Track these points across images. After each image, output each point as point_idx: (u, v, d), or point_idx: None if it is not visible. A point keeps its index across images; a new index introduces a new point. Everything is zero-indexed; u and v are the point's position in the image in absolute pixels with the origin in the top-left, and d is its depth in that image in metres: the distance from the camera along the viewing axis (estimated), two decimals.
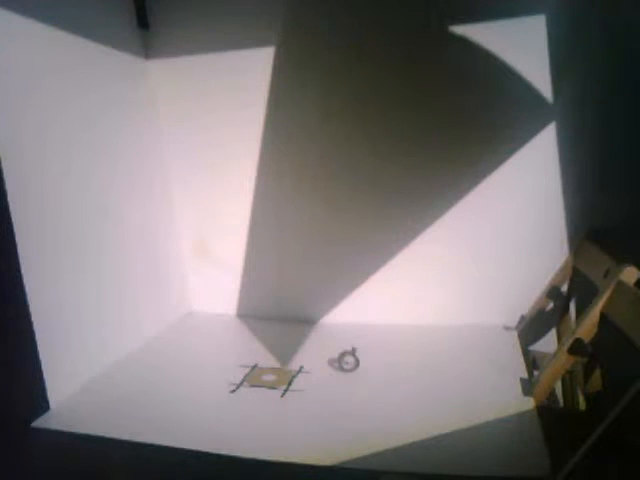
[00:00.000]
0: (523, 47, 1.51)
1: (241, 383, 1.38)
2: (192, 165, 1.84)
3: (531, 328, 1.60)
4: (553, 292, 1.55)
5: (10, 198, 1.15)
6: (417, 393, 1.30)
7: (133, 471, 1.05)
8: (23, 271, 1.18)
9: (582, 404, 1.33)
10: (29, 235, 1.20)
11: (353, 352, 1.42)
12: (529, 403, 1.18)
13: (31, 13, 1.24)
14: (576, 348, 1.17)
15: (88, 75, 1.46)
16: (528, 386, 1.24)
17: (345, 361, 1.42)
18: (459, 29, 1.53)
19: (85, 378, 1.37)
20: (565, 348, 1.18)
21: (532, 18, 1.50)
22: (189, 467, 1.06)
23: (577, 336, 1.17)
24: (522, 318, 1.63)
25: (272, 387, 1.36)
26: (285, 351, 1.54)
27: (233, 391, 1.34)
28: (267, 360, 1.51)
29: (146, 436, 1.13)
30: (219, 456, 1.05)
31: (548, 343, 1.55)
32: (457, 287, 1.69)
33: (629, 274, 1.13)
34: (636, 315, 1.04)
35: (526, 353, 1.49)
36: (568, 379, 1.34)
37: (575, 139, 1.54)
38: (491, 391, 1.27)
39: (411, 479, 0.97)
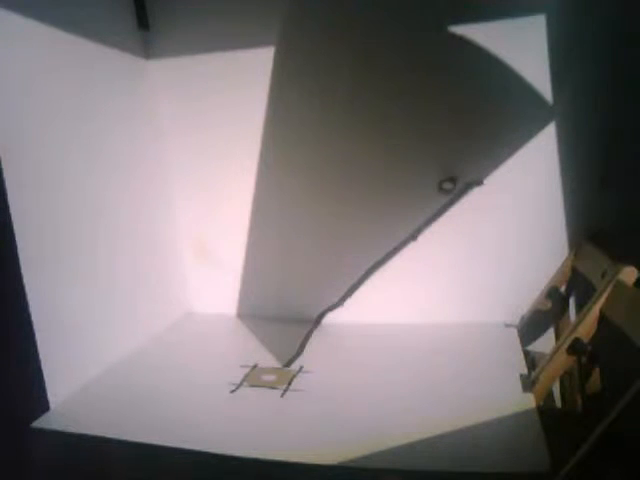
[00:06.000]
0: (523, 47, 1.51)
1: (241, 383, 1.38)
2: (192, 165, 1.84)
3: (531, 328, 1.61)
4: (552, 292, 1.55)
5: (10, 198, 1.15)
6: (418, 391, 1.30)
7: (133, 471, 1.05)
8: (23, 272, 1.18)
9: (580, 404, 1.33)
10: (29, 236, 1.21)
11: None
12: (529, 400, 1.18)
13: (31, 13, 1.24)
14: (575, 348, 1.17)
15: (88, 75, 1.46)
16: (528, 382, 1.24)
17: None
18: (459, 29, 1.53)
19: (85, 378, 1.37)
20: (564, 347, 1.18)
21: (532, 18, 1.49)
22: (189, 467, 1.06)
23: (576, 336, 1.17)
24: (522, 318, 1.63)
25: (272, 387, 1.36)
26: (285, 351, 1.54)
27: (233, 391, 1.34)
28: (267, 360, 1.51)
29: (146, 436, 1.13)
30: (219, 456, 1.05)
31: (548, 343, 1.54)
32: (459, 286, 1.69)
33: (628, 274, 1.14)
34: (635, 315, 1.04)
35: (526, 353, 1.49)
36: (567, 379, 1.34)
37: (575, 139, 1.54)
38: (492, 388, 1.28)
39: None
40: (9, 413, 1.14)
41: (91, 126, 1.46)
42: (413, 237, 1.68)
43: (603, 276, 1.20)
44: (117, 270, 1.54)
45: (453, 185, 1.55)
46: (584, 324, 1.17)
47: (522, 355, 1.44)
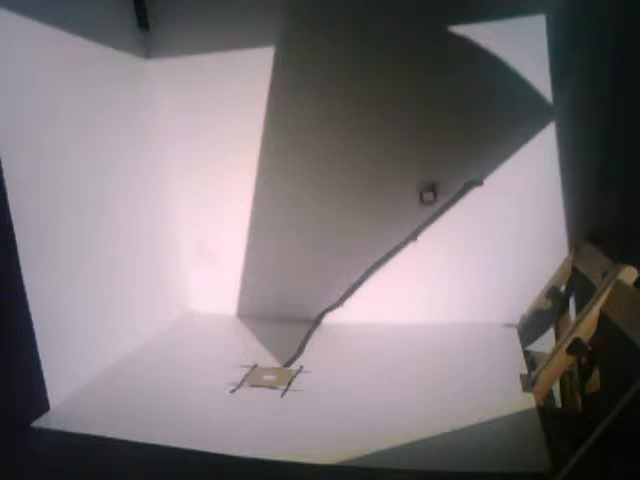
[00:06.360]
0: (523, 47, 1.52)
1: (241, 383, 1.38)
2: (192, 165, 1.84)
3: (531, 328, 1.61)
4: (552, 292, 1.55)
5: (10, 198, 1.15)
6: (418, 391, 1.31)
7: (133, 471, 1.05)
8: (23, 273, 1.18)
9: (580, 404, 1.33)
10: (29, 236, 1.21)
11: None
12: (529, 400, 1.18)
13: (32, 14, 1.25)
14: (575, 348, 1.17)
15: (88, 75, 1.46)
16: (528, 382, 1.24)
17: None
18: (459, 30, 1.53)
19: (85, 378, 1.37)
20: (564, 347, 1.18)
21: (532, 18, 1.50)
22: (189, 467, 1.06)
23: (576, 335, 1.17)
24: (522, 318, 1.63)
25: (272, 387, 1.36)
26: (285, 351, 1.54)
27: (233, 391, 1.34)
28: (267, 360, 1.51)
29: (146, 436, 1.13)
30: (219, 456, 1.06)
31: (548, 343, 1.54)
32: (459, 286, 1.69)
33: (628, 274, 1.13)
34: (635, 314, 1.03)
35: (526, 353, 1.49)
36: (567, 379, 1.34)
37: (575, 139, 1.54)
38: (492, 388, 1.28)
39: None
40: (9, 413, 1.14)
41: (91, 126, 1.46)
42: (413, 237, 1.68)
43: (603, 276, 1.20)
44: (117, 271, 1.54)
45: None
46: (584, 324, 1.16)
47: (522, 355, 1.44)
